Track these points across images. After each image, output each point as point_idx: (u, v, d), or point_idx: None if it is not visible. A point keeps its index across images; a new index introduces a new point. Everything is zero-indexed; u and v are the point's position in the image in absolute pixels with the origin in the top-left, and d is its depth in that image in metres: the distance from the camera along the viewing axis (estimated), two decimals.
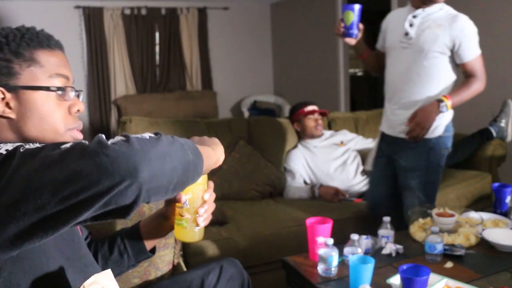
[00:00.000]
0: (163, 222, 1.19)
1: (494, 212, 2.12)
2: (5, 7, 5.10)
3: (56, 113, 0.92)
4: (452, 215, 1.92)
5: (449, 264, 1.64)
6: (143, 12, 5.74)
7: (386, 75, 2.22)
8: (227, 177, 2.70)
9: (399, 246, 1.77)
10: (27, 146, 0.77)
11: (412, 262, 1.55)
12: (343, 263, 1.66)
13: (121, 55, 5.67)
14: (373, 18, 8.30)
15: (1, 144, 0.80)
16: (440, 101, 2.00)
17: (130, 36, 5.70)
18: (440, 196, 2.76)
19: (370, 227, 2.03)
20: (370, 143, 3.12)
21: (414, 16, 2.05)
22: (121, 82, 5.69)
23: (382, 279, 1.53)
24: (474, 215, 2.02)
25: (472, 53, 2.01)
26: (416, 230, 1.92)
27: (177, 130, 2.81)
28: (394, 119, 2.16)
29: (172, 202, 1.10)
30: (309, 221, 1.80)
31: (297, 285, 1.72)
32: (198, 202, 1.04)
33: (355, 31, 2.03)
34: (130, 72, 5.75)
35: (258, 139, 2.98)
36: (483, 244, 1.80)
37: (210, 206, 1.08)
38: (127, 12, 5.69)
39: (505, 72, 3.45)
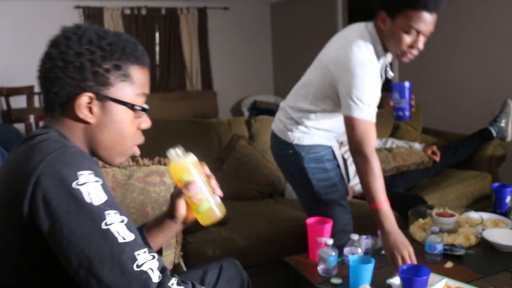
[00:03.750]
0: (170, 223, 1.15)
1: (494, 212, 2.12)
2: (5, 7, 5.10)
3: (130, 128, 0.96)
4: (452, 215, 1.92)
5: (449, 264, 1.64)
6: (143, 12, 5.75)
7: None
8: (227, 177, 2.69)
9: None
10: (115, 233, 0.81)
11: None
12: (343, 263, 1.66)
13: None
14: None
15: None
16: None
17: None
18: (440, 196, 2.76)
19: (370, 227, 2.02)
20: None
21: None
22: None
23: (382, 279, 1.53)
24: (474, 215, 2.02)
25: None
26: (416, 230, 1.92)
27: (177, 130, 2.81)
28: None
29: (178, 200, 1.08)
30: (309, 221, 1.80)
31: (297, 285, 1.72)
32: (203, 178, 1.06)
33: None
34: None
35: (258, 139, 2.97)
36: (483, 244, 1.80)
37: (212, 177, 1.10)
38: (127, 12, 5.70)
39: (505, 72, 3.45)
